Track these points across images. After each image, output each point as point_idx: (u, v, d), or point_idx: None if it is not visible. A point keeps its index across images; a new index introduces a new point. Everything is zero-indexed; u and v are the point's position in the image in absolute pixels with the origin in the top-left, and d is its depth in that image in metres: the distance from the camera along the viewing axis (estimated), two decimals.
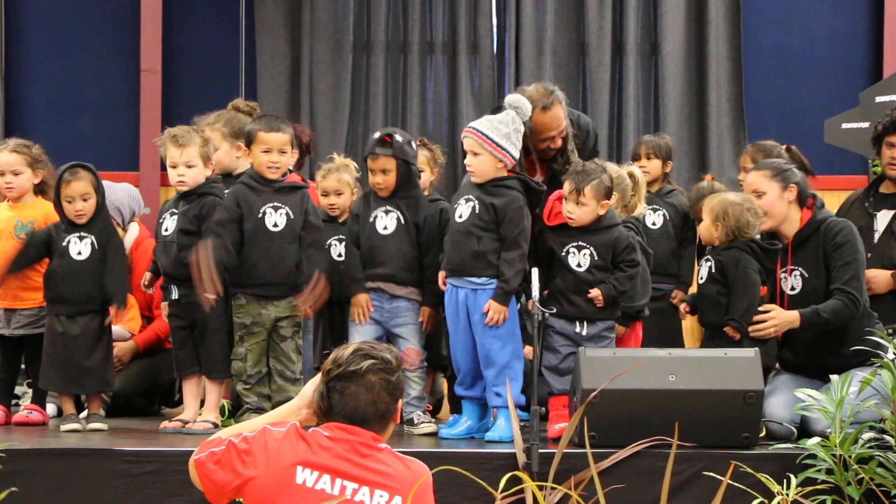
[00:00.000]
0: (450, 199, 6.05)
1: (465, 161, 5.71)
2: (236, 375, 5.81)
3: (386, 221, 5.84)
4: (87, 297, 5.90)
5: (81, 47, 9.48)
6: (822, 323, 5.75)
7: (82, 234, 5.93)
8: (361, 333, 5.77)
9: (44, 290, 6.00)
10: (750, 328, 5.71)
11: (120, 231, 6.74)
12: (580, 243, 5.70)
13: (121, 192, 7.07)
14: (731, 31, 9.48)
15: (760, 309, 5.75)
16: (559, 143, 6.09)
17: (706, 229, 5.89)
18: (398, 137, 5.83)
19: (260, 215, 5.73)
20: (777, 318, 5.75)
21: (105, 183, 6.90)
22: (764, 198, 5.88)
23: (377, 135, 5.86)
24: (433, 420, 5.92)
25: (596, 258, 5.69)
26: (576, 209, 5.68)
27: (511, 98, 5.74)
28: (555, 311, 5.59)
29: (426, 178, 6.36)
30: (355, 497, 3.57)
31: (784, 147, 6.91)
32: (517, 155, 5.64)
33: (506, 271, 5.54)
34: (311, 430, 3.72)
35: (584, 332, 5.68)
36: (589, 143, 6.31)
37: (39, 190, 6.43)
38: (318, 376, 3.77)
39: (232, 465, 3.64)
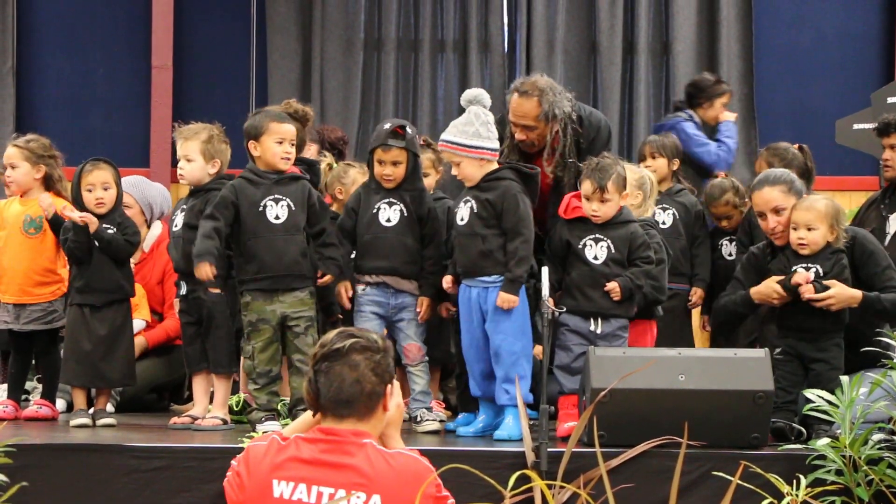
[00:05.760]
0: (455, 197, 6.03)
1: (452, 171, 5.71)
2: (247, 374, 5.79)
3: (389, 213, 5.81)
4: (112, 287, 5.88)
5: (93, 44, 9.51)
6: (880, 310, 5.68)
7: (104, 225, 5.89)
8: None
9: (69, 282, 5.97)
10: (806, 295, 5.56)
11: (145, 228, 6.81)
12: (598, 236, 5.67)
13: (154, 190, 7.18)
14: (742, 31, 9.48)
15: (826, 283, 5.61)
16: (521, 136, 6.06)
17: (822, 237, 5.67)
18: (409, 130, 5.82)
19: (261, 208, 5.67)
20: (836, 296, 5.58)
21: (140, 179, 6.98)
22: (784, 213, 5.76)
23: (388, 126, 5.81)
24: (441, 416, 5.89)
25: (613, 251, 5.66)
26: (601, 207, 5.65)
27: (466, 94, 5.70)
28: (565, 309, 5.58)
29: (431, 180, 6.33)
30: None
31: (796, 146, 6.85)
32: (495, 145, 5.61)
33: (509, 260, 5.53)
34: (292, 438, 3.72)
35: (598, 331, 5.64)
36: (599, 141, 6.27)
37: (48, 186, 6.40)
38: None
39: (234, 487, 3.74)
